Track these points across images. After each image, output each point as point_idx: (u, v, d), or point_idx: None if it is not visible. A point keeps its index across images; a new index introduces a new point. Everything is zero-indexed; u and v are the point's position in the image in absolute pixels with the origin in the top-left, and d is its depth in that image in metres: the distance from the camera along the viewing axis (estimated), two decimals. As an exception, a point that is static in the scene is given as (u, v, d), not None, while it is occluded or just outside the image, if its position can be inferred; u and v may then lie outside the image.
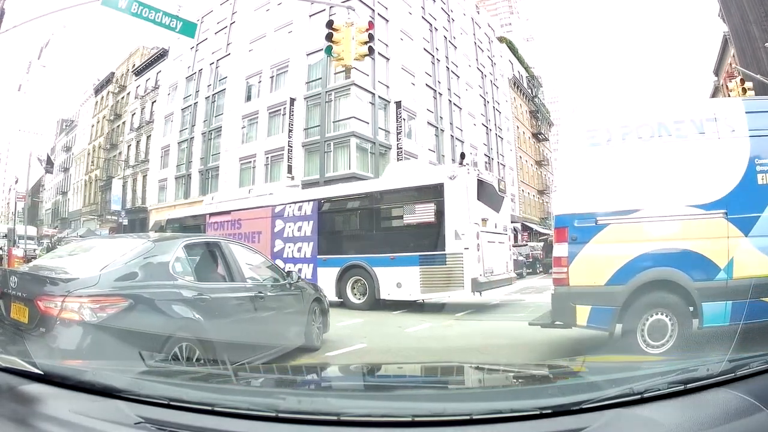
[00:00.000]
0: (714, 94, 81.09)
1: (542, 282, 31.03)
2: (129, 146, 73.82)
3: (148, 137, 68.60)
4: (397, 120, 48.07)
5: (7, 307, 6.92)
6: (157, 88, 68.54)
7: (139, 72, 74.54)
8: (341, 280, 19.74)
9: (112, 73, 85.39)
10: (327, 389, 4.14)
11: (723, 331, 8.41)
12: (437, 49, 59.78)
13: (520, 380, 4.10)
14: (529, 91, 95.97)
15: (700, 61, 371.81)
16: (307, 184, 42.71)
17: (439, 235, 17.69)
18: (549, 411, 2.53)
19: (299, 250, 21.24)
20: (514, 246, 35.69)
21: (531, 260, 42.13)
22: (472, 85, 69.05)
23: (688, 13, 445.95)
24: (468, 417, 2.53)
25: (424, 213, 18.33)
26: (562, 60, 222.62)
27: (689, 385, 2.67)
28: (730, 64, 66.94)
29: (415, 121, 52.50)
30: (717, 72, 77.29)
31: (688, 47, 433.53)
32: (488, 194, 18.82)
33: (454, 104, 62.25)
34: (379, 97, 47.35)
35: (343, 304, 19.21)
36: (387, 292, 18.71)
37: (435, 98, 57.69)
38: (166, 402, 2.79)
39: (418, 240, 18.33)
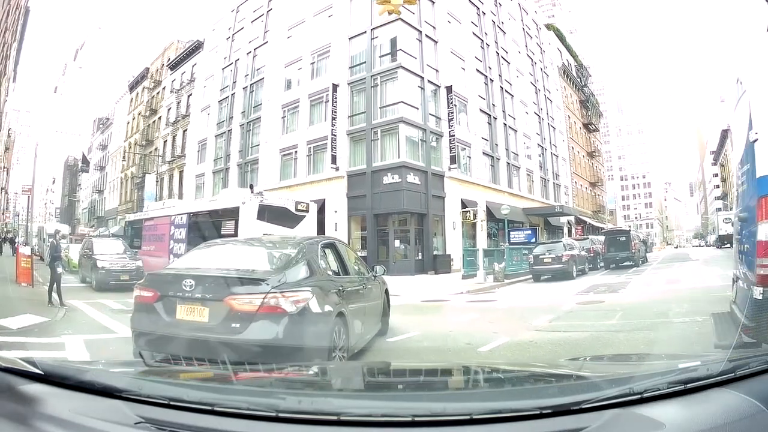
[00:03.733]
0: None
1: (608, 279, 31.06)
2: (165, 141, 72.75)
3: (185, 131, 67.26)
4: (448, 106, 45.32)
5: (171, 309, 8.00)
6: (193, 81, 67.13)
7: (174, 66, 73.32)
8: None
9: (147, 69, 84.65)
10: (327, 389, 4.13)
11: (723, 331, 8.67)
12: (486, 34, 57.08)
13: (520, 380, 4.05)
14: (579, 80, 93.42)
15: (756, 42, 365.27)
16: (353, 175, 42.45)
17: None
18: (549, 411, 2.55)
19: (180, 249, 26.40)
20: (576, 239, 43.07)
21: (592, 255, 40.45)
22: (522, 72, 66.35)
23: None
24: (468, 417, 2.55)
25: (231, 227, 24.92)
26: (607, 51, 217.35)
27: (689, 385, 2.69)
28: None
29: (466, 107, 49.73)
30: None
31: (746, 29, 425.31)
32: (277, 214, 24.75)
33: (506, 91, 59.64)
34: (429, 81, 44.56)
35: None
36: None
37: (486, 84, 55.11)
38: (166, 402, 2.81)
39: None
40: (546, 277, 32.91)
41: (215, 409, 2.70)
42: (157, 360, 6.73)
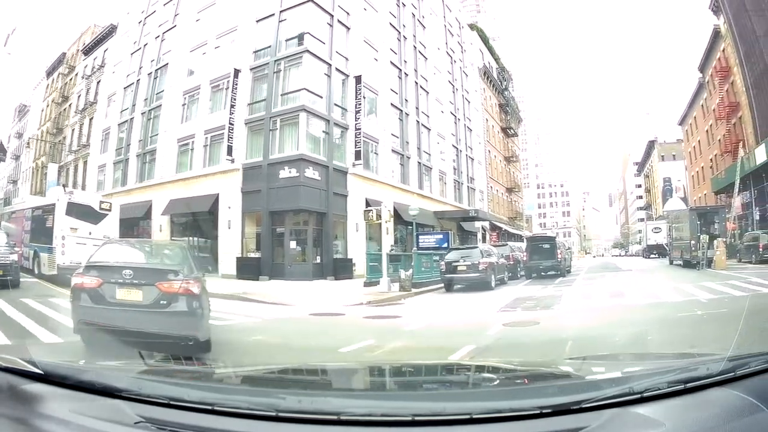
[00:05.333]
0: (698, 92, 77.65)
1: (534, 290, 26.31)
2: (72, 130, 65.89)
3: (91, 119, 60.41)
4: (356, 97, 40.15)
5: (112, 292, 9.96)
6: (103, 66, 60.25)
7: (87, 51, 66.41)
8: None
9: (63, 54, 77.16)
10: (327, 389, 4.02)
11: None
12: (404, 26, 51.81)
13: (520, 380, 4.01)
14: (500, 83, 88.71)
15: (683, 57, 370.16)
16: (249, 168, 37.13)
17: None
18: (549, 410, 2.47)
19: (26, 240, 28.20)
20: (495, 245, 40.43)
21: (512, 263, 35.87)
22: (440, 70, 60.65)
23: (672, 8, 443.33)
24: (468, 416, 2.47)
25: (51, 222, 26.44)
26: (529, 59, 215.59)
27: (689, 385, 2.62)
28: (719, 60, 63.27)
29: (377, 101, 44.44)
30: (703, 69, 72.45)
31: (671, 44, 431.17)
32: (83, 212, 26.22)
33: (421, 87, 54.53)
34: (337, 69, 39.29)
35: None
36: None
37: (400, 78, 49.66)
38: (166, 402, 2.74)
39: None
40: (460, 286, 28.03)
41: (215, 408, 2.61)
42: (157, 360, 5.88)
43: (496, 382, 3.98)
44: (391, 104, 46.82)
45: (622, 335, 11.56)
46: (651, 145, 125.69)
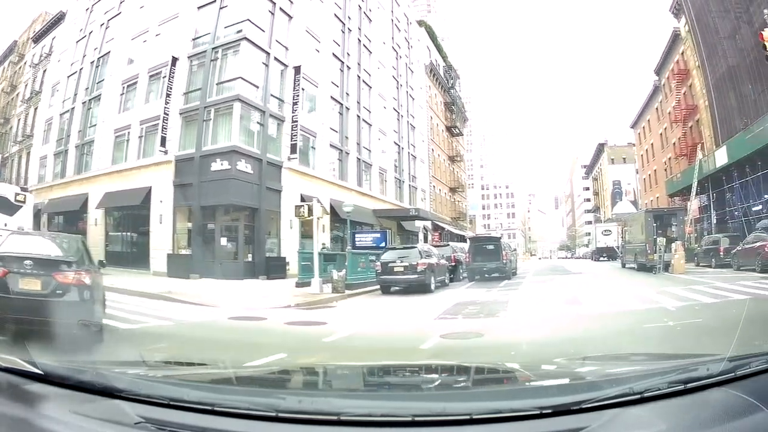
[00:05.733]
0: (653, 95, 77.90)
1: (477, 294, 24.75)
2: (18, 120, 63.98)
3: (35, 109, 58.35)
4: (294, 88, 38.50)
5: (15, 282, 10.32)
6: (50, 55, 58.16)
7: (37, 39, 64.34)
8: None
9: (15, 42, 75.03)
10: (327, 389, 3.99)
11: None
12: (349, 18, 50.46)
13: (520, 380, 3.96)
14: (446, 81, 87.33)
15: (636, 60, 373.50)
16: (182, 160, 35.08)
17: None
18: (549, 411, 2.45)
19: None
20: (436, 246, 38.16)
21: (453, 264, 34.22)
22: (384, 65, 59.45)
23: (626, 10, 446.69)
24: (468, 417, 2.45)
25: None
26: (478, 60, 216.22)
27: (689, 385, 2.59)
28: (677, 62, 63.16)
29: (317, 94, 42.85)
30: (659, 71, 72.70)
31: (623, 46, 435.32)
32: None
33: (364, 81, 52.95)
34: (276, 58, 37.69)
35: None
36: None
37: (342, 71, 48.16)
38: (166, 402, 2.72)
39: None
40: (397, 288, 26.55)
41: (215, 408, 2.58)
42: (157, 360, 6.82)
43: (496, 383, 4.03)
44: (331, 97, 45.27)
45: (586, 351, 9.21)
46: (600, 147, 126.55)
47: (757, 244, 29.38)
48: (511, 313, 17.42)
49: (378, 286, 27.17)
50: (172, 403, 2.66)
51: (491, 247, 34.88)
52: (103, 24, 47.43)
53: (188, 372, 4.44)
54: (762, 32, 21.10)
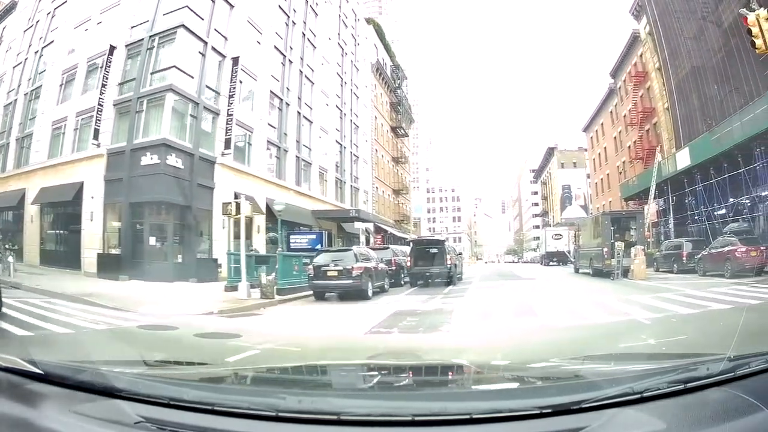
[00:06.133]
0: (608, 98, 77.86)
1: (417, 302, 22.57)
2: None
3: (-22, 101, 55.17)
4: (231, 80, 36.49)
5: None
6: (-1, 44, 55.89)
7: (-12, 29, 61.06)
8: None
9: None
10: (327, 389, 4.03)
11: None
12: (295, 11, 48.62)
13: (520, 380, 3.98)
14: (393, 81, 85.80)
15: (588, 64, 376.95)
16: (114, 154, 33.02)
17: None
18: (549, 411, 2.48)
19: None
20: (375, 249, 35.68)
21: (394, 268, 32.39)
22: (329, 61, 57.53)
23: (579, 14, 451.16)
24: (468, 417, 2.47)
25: None
26: (429, 63, 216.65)
27: (689, 385, 2.62)
28: (635, 65, 63.35)
29: (255, 87, 40.87)
30: (615, 74, 72.67)
31: (573, 50, 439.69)
32: None
33: (306, 77, 51.01)
34: (213, 48, 35.73)
35: None
36: None
37: (283, 65, 46.20)
38: (166, 402, 2.72)
39: None
40: (332, 294, 24.77)
41: (215, 408, 2.58)
42: (157, 360, 6.07)
43: (496, 382, 3.98)
44: (271, 92, 43.34)
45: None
46: (550, 151, 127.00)
47: (726, 248, 28.56)
48: (455, 327, 15.27)
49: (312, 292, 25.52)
50: (172, 402, 2.64)
51: (434, 250, 33.13)
52: (49, 13, 45.15)
53: (188, 372, 4.42)
54: (746, 16, 19.52)
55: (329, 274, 24.25)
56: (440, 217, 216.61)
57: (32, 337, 12.70)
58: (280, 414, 2.49)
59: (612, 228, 34.72)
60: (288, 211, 33.33)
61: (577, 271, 41.91)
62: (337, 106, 59.51)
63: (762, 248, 27.68)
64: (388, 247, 37.96)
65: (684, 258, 33.84)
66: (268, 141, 42.13)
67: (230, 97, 36.13)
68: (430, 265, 32.13)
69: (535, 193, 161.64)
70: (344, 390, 3.77)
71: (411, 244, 37.35)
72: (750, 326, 7.01)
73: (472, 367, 4.70)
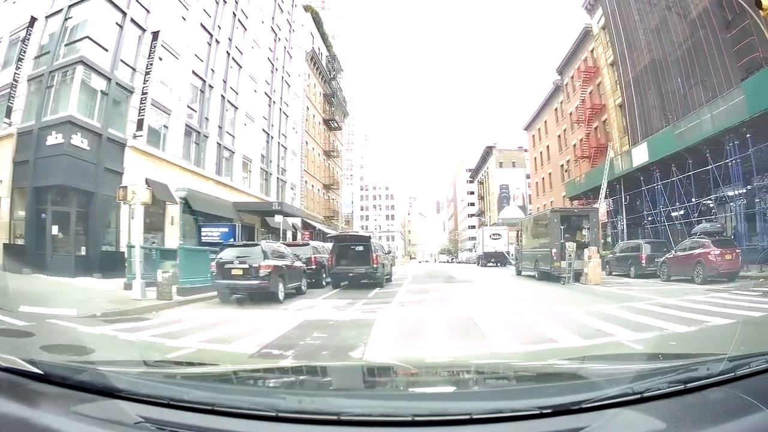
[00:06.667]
0: (553, 95, 77.10)
1: (333, 308, 19.56)
2: None
3: None
4: (149, 56, 33.72)
5: None
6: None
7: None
8: None
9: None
10: (327, 389, 3.97)
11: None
12: (226, -11, 45.61)
13: (520, 380, 3.94)
14: (328, 72, 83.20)
15: (532, 63, 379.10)
16: (24, 134, 30.33)
17: None
18: (549, 411, 2.46)
19: None
20: (292, 245, 31.35)
21: (315, 267, 29.50)
22: (260, 45, 54.68)
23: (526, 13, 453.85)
24: (468, 417, 2.45)
25: None
26: (367, 58, 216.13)
27: (689, 385, 2.61)
28: (585, 60, 62.56)
29: (176, 66, 37.76)
30: (562, 70, 71.65)
31: (512, 49, 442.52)
32: None
33: (233, 59, 47.84)
34: (133, 20, 32.98)
35: None
36: None
37: (209, 45, 43.35)
38: (166, 402, 2.71)
39: None
40: (239, 296, 21.66)
41: (215, 408, 2.55)
42: (157, 360, 6.37)
43: (496, 382, 3.96)
44: (194, 72, 40.31)
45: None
46: (489, 150, 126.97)
47: (697, 251, 26.64)
48: (372, 350, 11.14)
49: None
50: (172, 403, 2.61)
51: (359, 248, 30.56)
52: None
53: (188, 372, 4.43)
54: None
55: (233, 272, 21.27)
56: (374, 215, 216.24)
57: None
58: (280, 414, 2.44)
59: (562, 227, 32.13)
60: (205, 202, 31.15)
61: (519, 273, 39.61)
62: (265, 93, 56.52)
63: (737, 251, 26.02)
64: (308, 244, 34.27)
65: (643, 261, 32.02)
66: (187, 125, 39.10)
67: (147, 74, 33.35)
68: (354, 264, 29.71)
69: (472, 192, 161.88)
70: (344, 390, 3.71)
71: (333, 240, 34.17)
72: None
73: (473, 367, 4.69)
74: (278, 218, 45.24)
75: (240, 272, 21.11)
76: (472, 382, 4.04)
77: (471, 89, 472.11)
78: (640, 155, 42.45)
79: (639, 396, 2.48)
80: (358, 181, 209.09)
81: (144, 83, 33.15)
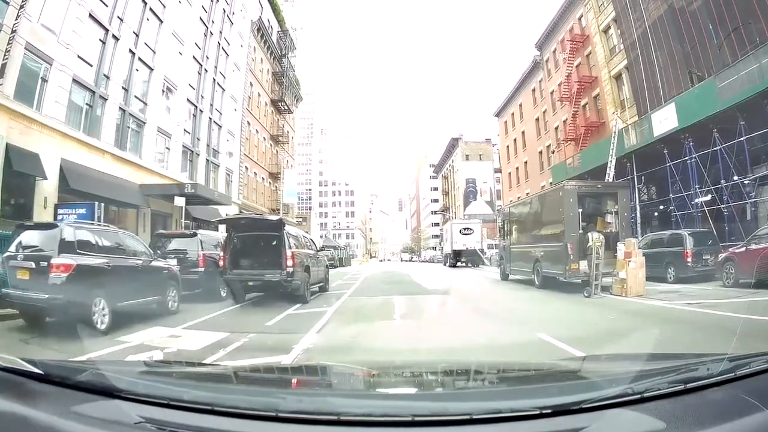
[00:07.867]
0: (531, 72, 71.67)
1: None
2: None
3: None
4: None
5: None
6: None
7: None
8: None
9: None
10: (327, 389, 3.98)
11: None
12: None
13: (520, 380, 4.05)
14: (278, 49, 75.52)
15: (508, 46, 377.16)
16: None
17: None
18: (549, 411, 2.51)
19: None
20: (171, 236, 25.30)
21: (204, 268, 21.64)
22: (192, 3, 46.17)
23: None
24: (468, 417, 2.50)
25: None
26: (329, 53, 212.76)
27: (689, 385, 2.66)
28: (571, 30, 56.41)
29: (73, 11, 29.72)
30: (542, 46, 66.66)
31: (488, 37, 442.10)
32: None
33: (154, 13, 39.26)
34: None
35: None
36: None
37: (122, -7, 34.44)
38: (166, 402, 2.75)
39: None
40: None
41: (215, 408, 2.59)
42: (157, 360, 6.82)
43: (496, 383, 4.04)
44: (91, 16, 31.60)
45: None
46: (454, 143, 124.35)
47: None
48: None
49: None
50: (172, 403, 2.66)
51: (267, 240, 21.48)
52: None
53: (188, 372, 4.43)
54: None
55: (19, 276, 13.08)
56: (333, 212, 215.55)
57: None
58: (280, 414, 2.49)
59: (579, 211, 23.41)
60: (95, 181, 24.86)
61: (506, 277, 31.66)
62: (195, 58, 47.92)
63: None
64: (195, 234, 24.01)
65: (689, 259, 24.66)
66: (75, 80, 30.47)
67: (21, 8, 25.57)
68: (258, 266, 21.10)
69: (435, 189, 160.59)
70: (344, 390, 3.74)
71: (226, 229, 23.35)
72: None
73: (473, 367, 4.61)
74: (179, 201, 36.47)
75: (26, 276, 13.01)
76: (472, 382, 4.01)
77: (436, 75, 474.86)
78: (665, 121, 34.98)
79: (639, 396, 2.49)
80: (318, 176, 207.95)
81: (16, 19, 25.49)
